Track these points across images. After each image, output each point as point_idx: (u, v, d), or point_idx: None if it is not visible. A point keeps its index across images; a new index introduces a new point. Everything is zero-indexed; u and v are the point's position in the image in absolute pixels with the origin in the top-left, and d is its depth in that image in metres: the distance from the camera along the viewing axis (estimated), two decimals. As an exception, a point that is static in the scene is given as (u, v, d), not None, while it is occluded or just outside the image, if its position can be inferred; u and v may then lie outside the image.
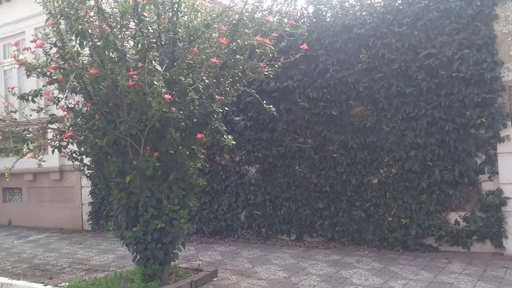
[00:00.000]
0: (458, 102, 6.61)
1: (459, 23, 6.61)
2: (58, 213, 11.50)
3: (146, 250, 5.49)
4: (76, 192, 11.17)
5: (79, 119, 4.99)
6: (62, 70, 4.92)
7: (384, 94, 7.09)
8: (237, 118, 5.83)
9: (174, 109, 4.80)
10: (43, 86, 5.28)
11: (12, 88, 5.11)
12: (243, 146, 8.40)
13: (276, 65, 5.91)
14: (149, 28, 4.76)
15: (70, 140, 5.14)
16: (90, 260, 7.61)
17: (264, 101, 5.85)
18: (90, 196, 10.72)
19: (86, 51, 5.29)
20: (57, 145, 5.28)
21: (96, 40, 4.86)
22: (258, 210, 8.36)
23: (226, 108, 5.45)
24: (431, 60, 6.70)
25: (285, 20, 5.99)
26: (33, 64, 5.13)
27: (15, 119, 5.24)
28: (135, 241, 5.47)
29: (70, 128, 5.36)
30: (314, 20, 7.88)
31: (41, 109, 5.78)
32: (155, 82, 4.42)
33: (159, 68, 4.71)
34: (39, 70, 5.16)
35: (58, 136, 5.37)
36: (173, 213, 5.50)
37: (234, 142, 5.42)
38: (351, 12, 7.46)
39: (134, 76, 4.67)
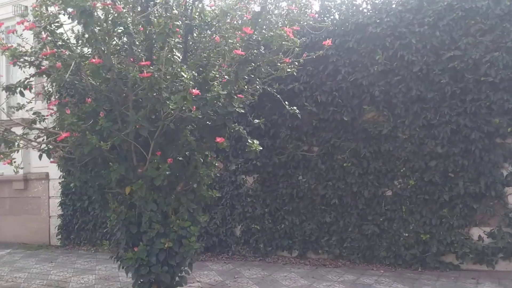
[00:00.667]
0: (485, 108, 6.12)
1: (486, 24, 6.15)
2: (21, 227, 10.30)
3: (150, 274, 4.64)
4: (43, 203, 10.04)
5: (75, 118, 4.09)
6: (58, 58, 4.04)
7: (402, 99, 6.53)
8: (257, 120, 5.09)
9: (194, 107, 4.03)
10: (27, 78, 4.35)
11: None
12: (240, 153, 7.64)
13: (297, 63, 5.22)
14: (174, 8, 3.97)
15: (61, 143, 4.23)
16: (68, 282, 6.61)
17: (286, 103, 5.14)
18: (60, 207, 9.63)
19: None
20: (45, 148, 4.36)
21: (99, 23, 4.04)
22: (256, 224, 7.61)
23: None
24: (455, 63, 6.20)
25: (308, 11, 5.33)
26: (20, 50, 4.20)
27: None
28: (137, 263, 4.61)
29: (57, 129, 4.47)
30: (318, 18, 7.26)
31: (22, 106, 4.87)
32: (183, 74, 3.64)
33: (178, 57, 3.94)
34: (27, 57, 4.23)
35: (46, 138, 4.45)
36: (181, 230, 4.68)
37: (261, 148, 4.69)
38: (365, 10, 6.90)
39: (150, 67, 3.88)
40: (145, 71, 3.80)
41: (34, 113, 4.72)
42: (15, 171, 4.89)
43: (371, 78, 6.70)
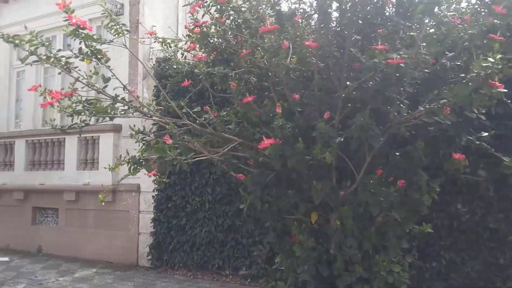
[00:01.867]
0: None
1: None
2: (105, 243, 9.35)
3: (347, 333, 3.45)
4: (132, 218, 9.06)
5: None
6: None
7: None
8: (485, 133, 3.83)
9: (448, 109, 2.84)
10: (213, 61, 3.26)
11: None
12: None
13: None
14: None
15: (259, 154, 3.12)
16: (187, 320, 5.51)
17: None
18: (152, 224, 8.62)
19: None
20: (227, 157, 3.26)
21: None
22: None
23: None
24: None
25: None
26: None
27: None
28: (331, 319, 3.43)
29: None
30: None
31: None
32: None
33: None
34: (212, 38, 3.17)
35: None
36: (389, 276, 3.48)
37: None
38: None
39: (400, 53, 2.72)
40: (395, 57, 2.64)
41: (195, 112, 3.65)
42: (159, 184, 3.93)
43: None
